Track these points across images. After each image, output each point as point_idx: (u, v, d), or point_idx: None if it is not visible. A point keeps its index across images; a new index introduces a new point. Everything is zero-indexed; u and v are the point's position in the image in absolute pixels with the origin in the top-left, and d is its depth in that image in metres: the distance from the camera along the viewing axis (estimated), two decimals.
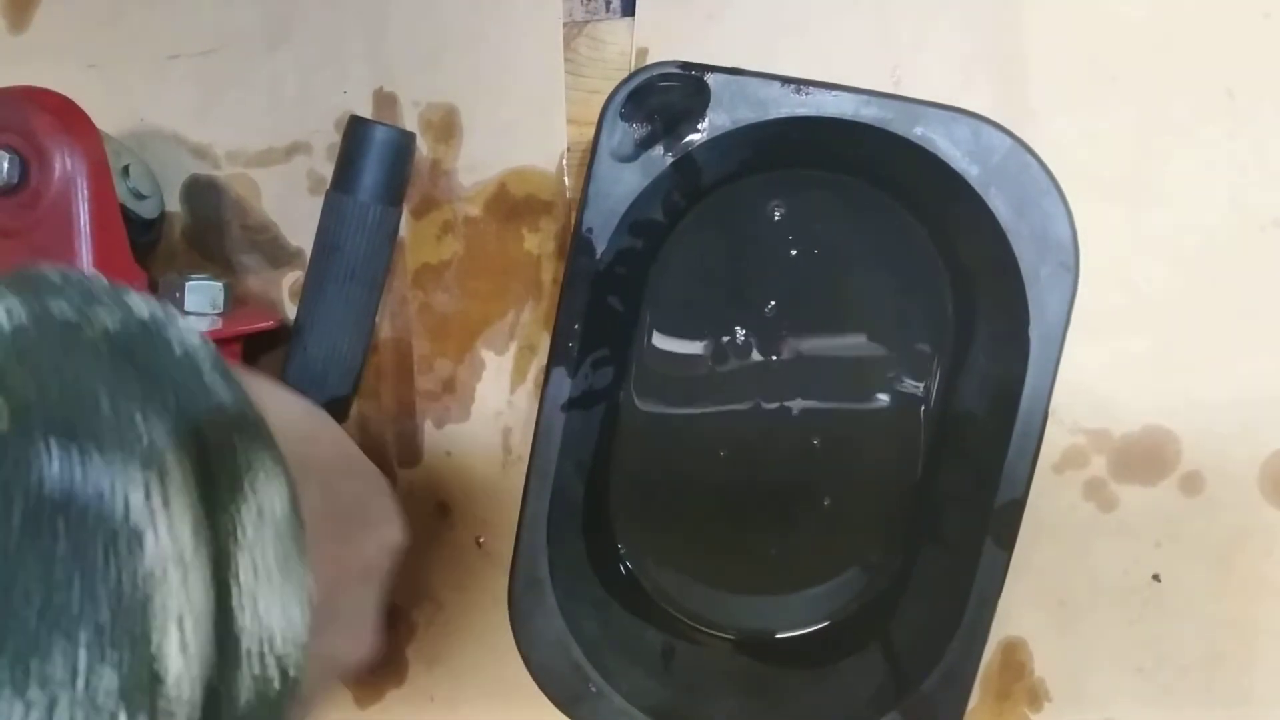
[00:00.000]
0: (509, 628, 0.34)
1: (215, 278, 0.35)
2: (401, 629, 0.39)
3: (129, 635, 0.14)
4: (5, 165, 0.32)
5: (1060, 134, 0.33)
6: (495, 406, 0.37)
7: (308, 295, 0.36)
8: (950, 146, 0.31)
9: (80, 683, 0.13)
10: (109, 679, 0.13)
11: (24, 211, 0.33)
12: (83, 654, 0.13)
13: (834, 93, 0.31)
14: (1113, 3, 0.33)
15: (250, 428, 0.17)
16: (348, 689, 0.39)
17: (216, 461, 0.16)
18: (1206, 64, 0.33)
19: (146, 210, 0.37)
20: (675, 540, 0.37)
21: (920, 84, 0.34)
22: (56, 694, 0.13)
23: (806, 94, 0.31)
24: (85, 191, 0.33)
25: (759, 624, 0.37)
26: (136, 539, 0.14)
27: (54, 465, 0.14)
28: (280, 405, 0.22)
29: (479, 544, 0.38)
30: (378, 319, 0.37)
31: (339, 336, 0.36)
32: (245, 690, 0.16)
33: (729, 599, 0.37)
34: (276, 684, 0.16)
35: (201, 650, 0.15)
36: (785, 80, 0.31)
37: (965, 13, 0.34)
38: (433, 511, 0.38)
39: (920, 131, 0.31)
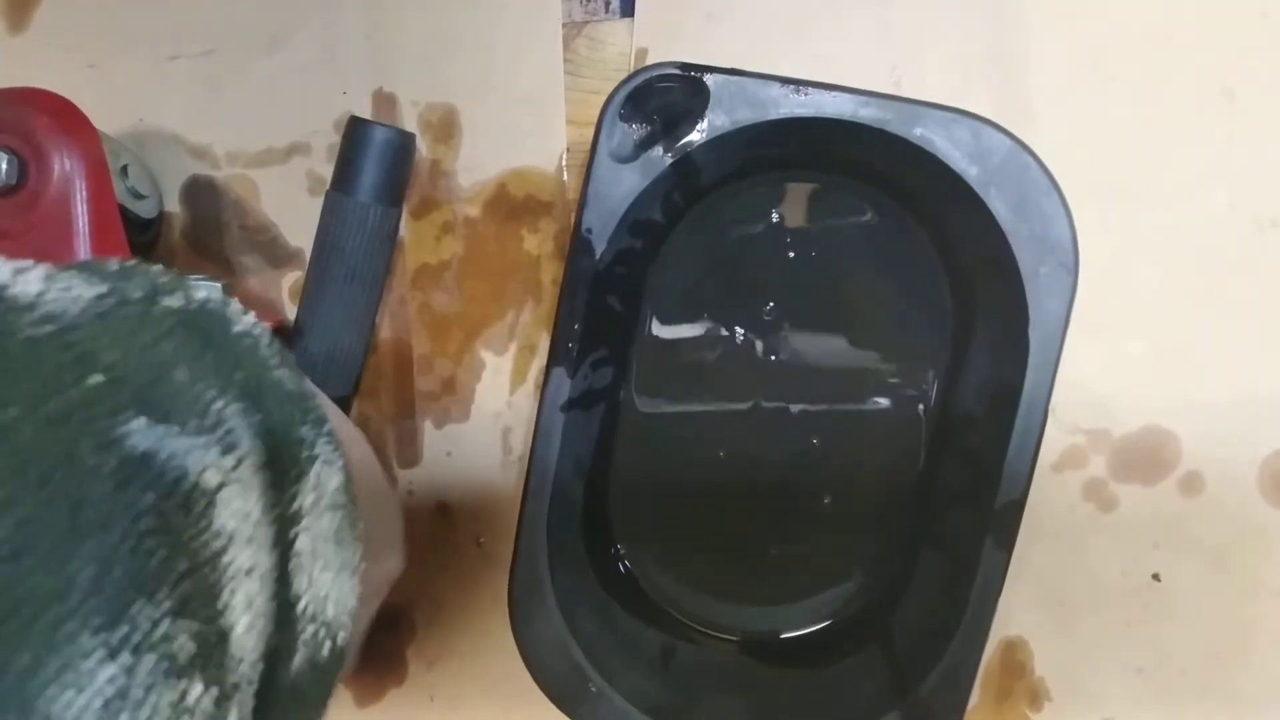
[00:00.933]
0: (509, 628, 0.34)
1: (214, 278, 0.35)
2: (402, 629, 0.39)
3: (203, 591, 0.14)
4: (4, 166, 0.32)
5: (1060, 135, 0.33)
6: (495, 407, 0.37)
7: (307, 296, 0.36)
8: (950, 147, 0.31)
9: (159, 643, 0.14)
10: (182, 637, 0.14)
11: (22, 212, 0.33)
12: (164, 614, 0.14)
13: (833, 93, 0.31)
14: (1112, 4, 0.33)
15: (307, 406, 0.17)
16: (347, 689, 0.39)
17: (278, 437, 0.16)
18: (1206, 65, 0.33)
19: (145, 210, 0.37)
20: (675, 540, 0.37)
21: (920, 85, 0.34)
22: (139, 657, 0.13)
23: (805, 94, 0.31)
24: (84, 192, 0.33)
25: (759, 624, 0.37)
26: (210, 500, 0.15)
27: (138, 432, 0.14)
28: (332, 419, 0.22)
29: (479, 544, 0.38)
30: (377, 319, 0.37)
31: (339, 337, 0.36)
32: (299, 655, 0.16)
33: (729, 599, 0.37)
34: (326, 650, 0.17)
35: (264, 609, 0.15)
36: (784, 81, 0.31)
37: (965, 13, 0.34)
38: (432, 512, 0.38)
39: (920, 132, 0.31)
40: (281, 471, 0.16)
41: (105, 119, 0.35)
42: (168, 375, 0.15)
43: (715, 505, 0.37)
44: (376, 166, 0.35)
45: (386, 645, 0.39)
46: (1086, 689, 0.36)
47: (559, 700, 0.34)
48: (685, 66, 0.31)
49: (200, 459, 0.15)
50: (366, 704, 0.39)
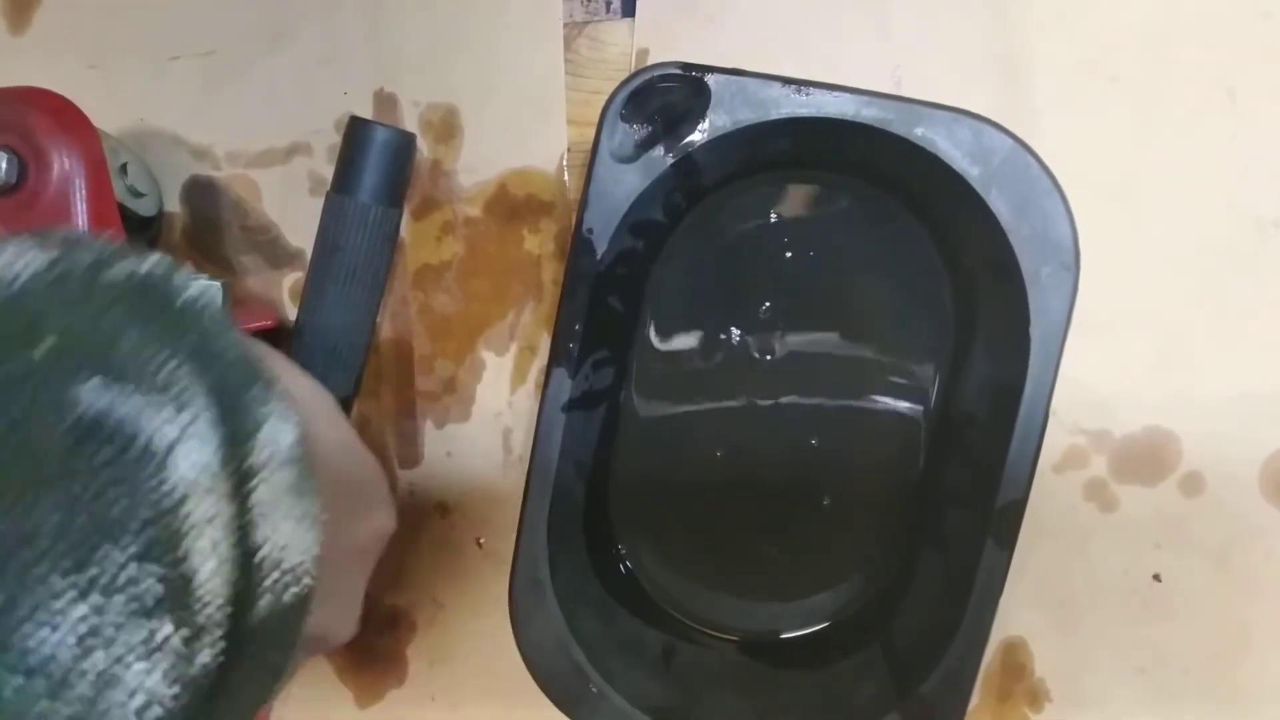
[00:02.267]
0: (509, 628, 0.34)
1: (213, 277, 0.35)
2: (402, 629, 0.39)
3: (166, 538, 0.15)
4: (3, 165, 0.32)
5: (1061, 135, 0.33)
6: (496, 407, 0.37)
7: (308, 296, 0.36)
8: (951, 147, 0.31)
9: (126, 586, 0.14)
10: (149, 580, 0.15)
11: (21, 212, 0.33)
12: (129, 558, 0.15)
13: (834, 93, 0.31)
14: (1113, 3, 0.33)
15: (257, 368, 0.18)
16: (348, 689, 0.39)
17: (231, 395, 0.17)
18: (1207, 64, 0.33)
19: (144, 208, 0.37)
20: (676, 541, 0.37)
21: (921, 84, 0.34)
22: (108, 598, 0.14)
23: (807, 95, 0.31)
24: (83, 191, 0.33)
25: (760, 625, 0.37)
26: (168, 453, 0.15)
27: (91, 392, 0.15)
28: (289, 380, 0.23)
29: (479, 544, 0.38)
30: (378, 320, 0.37)
31: (340, 337, 0.36)
32: (264, 600, 0.17)
33: (730, 599, 0.37)
34: (289, 595, 0.18)
35: (228, 555, 0.16)
36: (786, 81, 0.31)
37: (966, 13, 0.34)
38: (433, 512, 0.38)
39: (921, 132, 0.31)
40: (236, 427, 0.17)
41: (106, 119, 0.35)
42: (119, 338, 0.16)
43: (716, 505, 0.37)
44: (377, 167, 0.35)
45: (387, 645, 0.39)
46: (1087, 690, 0.36)
47: (559, 701, 0.34)
48: (686, 66, 0.31)
49: (155, 416, 0.16)
50: (367, 704, 0.39)
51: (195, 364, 0.17)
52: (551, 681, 0.34)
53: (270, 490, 0.17)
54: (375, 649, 0.39)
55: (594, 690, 0.34)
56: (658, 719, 0.34)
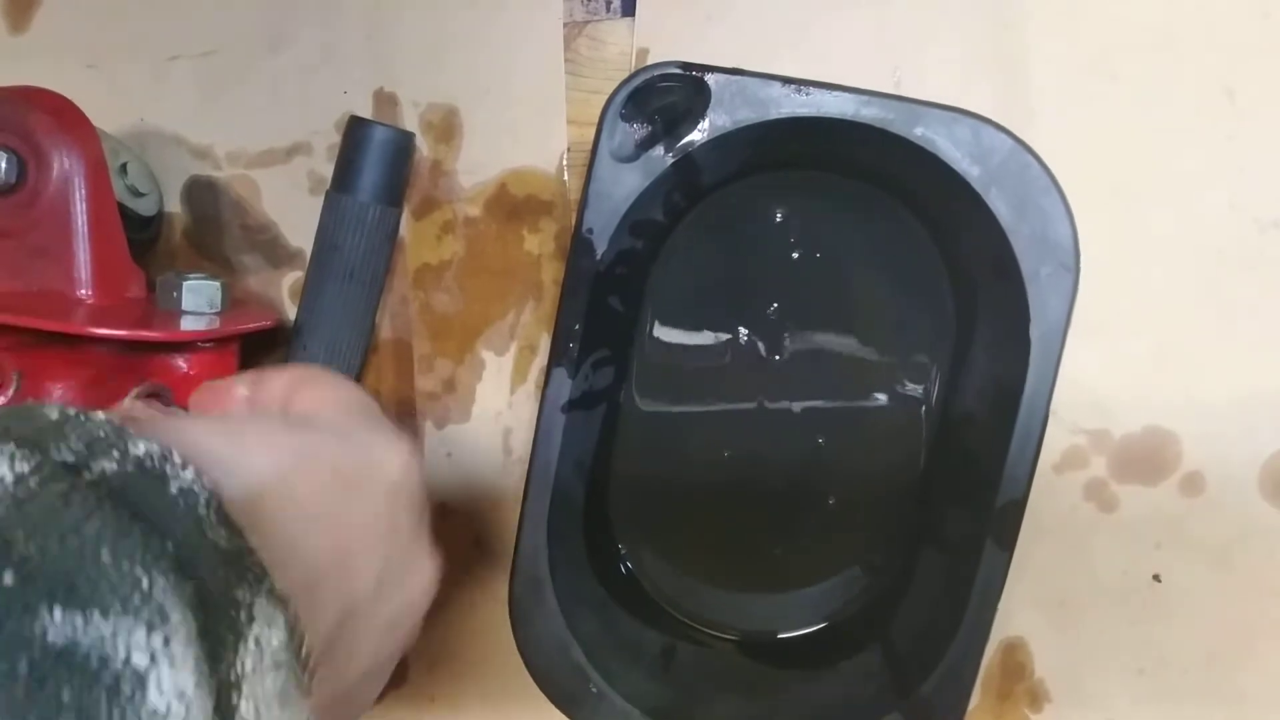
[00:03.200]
0: (509, 628, 0.34)
1: (213, 276, 0.35)
2: None
3: None
4: (3, 165, 0.32)
5: (1061, 135, 0.33)
6: (496, 407, 0.37)
7: (308, 295, 0.36)
8: (951, 147, 0.31)
9: None
10: None
11: (21, 211, 0.33)
12: None
13: (834, 93, 0.31)
14: (1113, 3, 0.33)
15: (245, 567, 0.17)
16: None
17: (212, 604, 0.16)
18: (1207, 64, 0.33)
19: (144, 207, 0.37)
20: (676, 540, 0.37)
21: (921, 84, 0.34)
22: None
23: (807, 94, 0.31)
24: (83, 191, 0.33)
25: (760, 624, 0.37)
26: (139, 682, 0.14)
27: (57, 621, 0.14)
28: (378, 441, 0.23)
29: (479, 545, 0.38)
30: (378, 319, 0.37)
31: (339, 336, 0.36)
32: None
33: (729, 599, 0.37)
34: None
35: None
36: (786, 80, 0.31)
37: (966, 13, 0.34)
38: (433, 512, 0.38)
39: (921, 132, 0.31)
40: (218, 640, 0.16)
41: (106, 119, 0.35)
42: (90, 559, 0.15)
43: (716, 505, 0.37)
44: (376, 166, 0.35)
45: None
46: (1087, 690, 0.36)
47: (559, 701, 0.34)
48: (687, 66, 0.31)
49: (125, 642, 0.14)
50: None
51: (174, 574, 0.16)
52: (551, 681, 0.34)
53: (255, 703, 0.16)
54: None
55: (594, 690, 0.34)
56: (657, 719, 0.34)
